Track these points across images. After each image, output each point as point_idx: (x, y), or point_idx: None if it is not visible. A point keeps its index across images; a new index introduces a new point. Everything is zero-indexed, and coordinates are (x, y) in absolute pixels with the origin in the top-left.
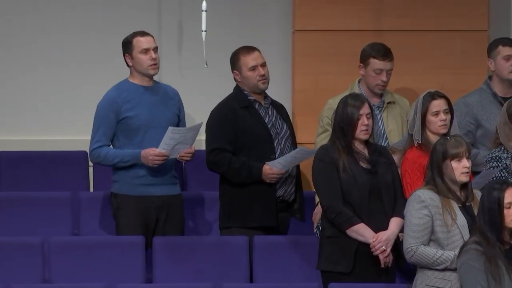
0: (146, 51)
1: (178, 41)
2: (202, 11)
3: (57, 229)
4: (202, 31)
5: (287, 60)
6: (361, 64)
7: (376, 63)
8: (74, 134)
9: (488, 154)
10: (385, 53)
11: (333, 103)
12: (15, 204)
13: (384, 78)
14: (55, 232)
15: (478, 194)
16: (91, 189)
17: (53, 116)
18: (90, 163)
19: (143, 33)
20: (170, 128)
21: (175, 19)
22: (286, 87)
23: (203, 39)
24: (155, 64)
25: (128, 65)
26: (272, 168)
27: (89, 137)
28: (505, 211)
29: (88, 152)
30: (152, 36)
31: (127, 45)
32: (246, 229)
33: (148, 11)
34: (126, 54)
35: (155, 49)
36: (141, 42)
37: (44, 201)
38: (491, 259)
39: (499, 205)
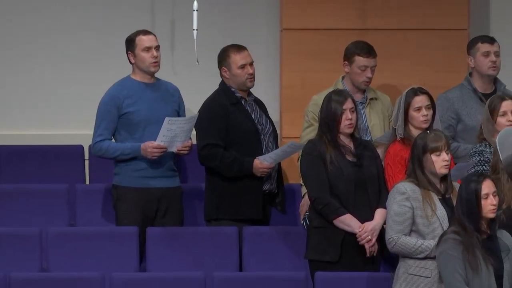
0: (148, 49)
1: (170, 40)
2: (194, 10)
3: (54, 220)
4: (194, 29)
5: (275, 58)
6: (345, 62)
7: (360, 60)
8: (71, 129)
9: (472, 149)
10: (368, 50)
11: (318, 98)
12: (14, 196)
13: (369, 74)
14: (52, 223)
15: (457, 186)
16: (87, 182)
17: (51, 111)
18: (86, 157)
19: (146, 32)
20: (167, 119)
21: (167, 19)
22: (274, 84)
23: (195, 38)
24: (156, 62)
25: (130, 62)
26: (262, 162)
27: (85, 132)
28: (483, 202)
29: (84, 146)
30: (155, 35)
31: (130, 43)
32: (234, 221)
33: (142, 11)
34: (129, 52)
35: (157, 48)
36: (144, 41)
37: (41, 193)
38: (469, 248)
39: (477, 197)
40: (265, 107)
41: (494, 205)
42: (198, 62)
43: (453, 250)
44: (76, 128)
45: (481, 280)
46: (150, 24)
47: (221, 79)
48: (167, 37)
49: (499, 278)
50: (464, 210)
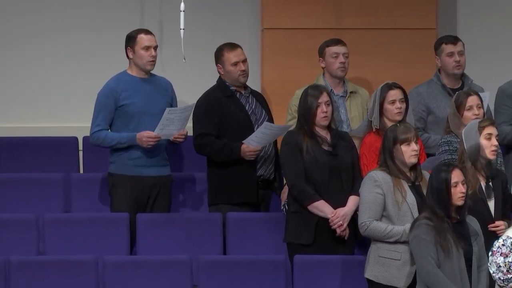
0: (147, 48)
1: (159, 38)
2: (181, 11)
3: (51, 207)
4: (181, 29)
5: (256, 55)
6: (320, 58)
7: (331, 49)
8: (66, 121)
9: (441, 139)
10: (337, 40)
11: (300, 93)
12: (13, 185)
13: (342, 60)
14: (49, 209)
15: (426, 174)
16: (81, 171)
17: (47, 105)
18: (80, 148)
19: (147, 32)
20: (167, 109)
21: (156, 19)
22: (255, 80)
23: (182, 37)
24: (153, 61)
25: (128, 57)
26: (248, 146)
27: (79, 125)
28: (452, 190)
29: (78, 138)
30: (154, 36)
31: (130, 40)
32: (231, 205)
33: (131, 11)
34: (128, 48)
35: (155, 48)
36: (144, 40)
37: (39, 182)
38: (440, 233)
39: (447, 185)
40: (263, 99)
41: (463, 192)
42: (185, 59)
43: (425, 235)
44: (71, 120)
45: (452, 262)
46: (140, 24)
47: (208, 75)
48: (155, 36)
49: (468, 260)
50: (435, 198)
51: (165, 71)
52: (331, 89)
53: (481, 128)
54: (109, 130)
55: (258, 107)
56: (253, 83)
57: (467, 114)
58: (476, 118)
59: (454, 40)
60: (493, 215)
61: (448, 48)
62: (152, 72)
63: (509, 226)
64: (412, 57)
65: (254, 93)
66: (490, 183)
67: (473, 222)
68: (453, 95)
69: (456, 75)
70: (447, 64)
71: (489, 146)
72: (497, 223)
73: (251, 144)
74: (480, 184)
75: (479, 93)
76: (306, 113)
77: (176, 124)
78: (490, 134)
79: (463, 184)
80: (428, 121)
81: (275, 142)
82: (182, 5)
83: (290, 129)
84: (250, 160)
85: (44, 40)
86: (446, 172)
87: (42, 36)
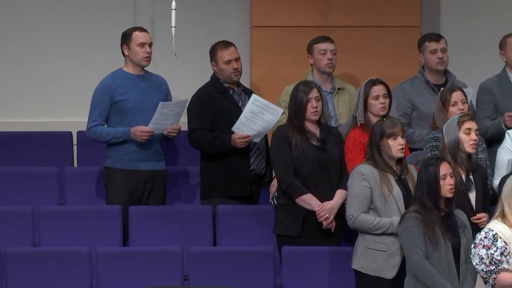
0: (142, 45)
1: (151, 35)
2: (172, 9)
3: (46, 200)
4: (172, 27)
5: (245, 53)
6: (308, 55)
7: (319, 46)
8: (61, 117)
9: (428, 135)
10: (324, 37)
11: (290, 89)
12: (8, 178)
13: (330, 56)
14: (43, 202)
15: (411, 168)
16: (75, 165)
17: (43, 101)
18: (75, 142)
19: (141, 29)
20: (161, 103)
21: (148, 17)
22: (245, 76)
23: (173, 34)
24: (148, 57)
25: (124, 55)
26: (238, 133)
27: (73, 120)
28: (441, 182)
29: (72, 132)
30: (149, 33)
31: (126, 37)
32: (224, 198)
33: (125, 10)
34: (124, 45)
35: (150, 44)
36: (139, 37)
37: (34, 175)
38: (429, 225)
39: (436, 178)
40: None
41: (451, 185)
42: (176, 56)
43: (414, 227)
44: (65, 116)
45: (440, 254)
46: (133, 22)
47: (198, 71)
48: None
49: (456, 252)
50: (424, 191)
51: (157, 67)
52: (319, 85)
53: (460, 123)
54: (105, 125)
55: None
56: (243, 79)
57: (452, 109)
58: (461, 113)
59: (437, 37)
60: (474, 207)
61: (431, 45)
62: (145, 69)
63: (490, 219)
64: (398, 54)
65: (246, 91)
66: (471, 176)
67: (461, 215)
68: (437, 90)
69: (439, 71)
70: (430, 60)
71: (468, 140)
72: (479, 215)
73: (239, 127)
74: (461, 177)
75: (463, 89)
76: (296, 108)
77: (170, 119)
78: (469, 128)
79: (451, 177)
80: (412, 117)
81: (266, 136)
82: (173, 3)
83: (280, 124)
84: (244, 154)
85: (41, 38)
86: (434, 166)
87: (39, 35)
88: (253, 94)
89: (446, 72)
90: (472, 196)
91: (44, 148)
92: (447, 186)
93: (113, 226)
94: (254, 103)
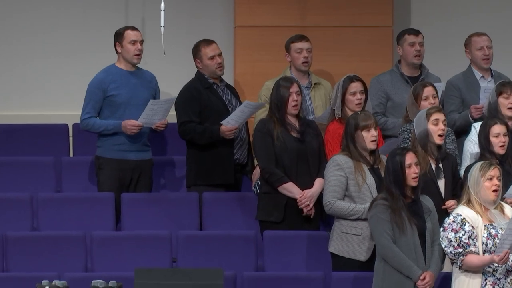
0: (134, 42)
1: (142, 34)
2: (161, 10)
3: (44, 187)
4: (161, 26)
5: (229, 50)
6: (286, 53)
7: (295, 45)
8: (57, 110)
9: (401, 128)
10: (300, 36)
11: (269, 84)
12: (9, 167)
13: (305, 54)
14: (42, 189)
15: (384, 158)
16: (71, 155)
17: (41, 96)
18: (71, 134)
19: (133, 28)
20: (151, 101)
21: (139, 17)
22: (229, 72)
23: (162, 33)
24: (139, 54)
25: (117, 52)
26: (227, 126)
27: (69, 113)
28: (406, 171)
29: (69, 124)
30: (140, 32)
31: (118, 36)
32: (210, 186)
33: (116, 11)
34: (117, 43)
35: (141, 42)
36: (131, 35)
37: (33, 164)
38: (396, 211)
39: (401, 167)
40: (236, 91)
41: (416, 173)
42: (165, 53)
43: (382, 214)
44: (62, 109)
45: (407, 238)
46: (124, 22)
47: (186, 68)
48: None
49: (422, 235)
50: (391, 179)
51: (147, 63)
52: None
53: (428, 115)
54: (98, 118)
55: (233, 97)
56: (227, 75)
57: (424, 103)
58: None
59: (416, 32)
60: (443, 194)
61: (410, 38)
62: (137, 66)
63: (458, 204)
64: (370, 52)
65: (228, 86)
66: (440, 165)
67: (427, 201)
68: (411, 83)
69: (415, 64)
70: (408, 53)
71: (436, 130)
72: (448, 202)
73: (230, 123)
74: (431, 166)
75: (435, 84)
76: (278, 102)
77: (158, 115)
78: (437, 120)
79: (416, 166)
80: (387, 106)
81: (248, 129)
82: (163, 4)
83: (261, 118)
84: (228, 144)
85: (40, 38)
86: (400, 155)
87: (38, 34)
88: (246, 100)
89: (421, 66)
90: (441, 183)
91: (42, 139)
92: (412, 174)
93: (106, 211)
94: (246, 105)
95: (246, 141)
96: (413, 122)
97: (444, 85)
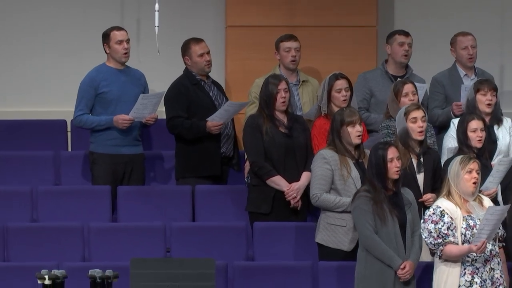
0: (120, 42)
1: (137, 34)
2: (155, 11)
3: (43, 180)
4: (155, 26)
5: (221, 49)
6: (276, 52)
7: (284, 44)
8: (56, 107)
9: (381, 124)
10: (290, 36)
11: (259, 81)
12: (10, 161)
13: (294, 53)
14: (41, 182)
15: (368, 152)
16: (69, 149)
17: (40, 93)
18: (69, 129)
19: (119, 28)
20: (141, 95)
21: (134, 17)
22: (220, 70)
23: (156, 33)
24: (126, 53)
25: (106, 52)
26: (212, 122)
27: (67, 109)
28: (388, 164)
29: (67, 120)
30: (126, 31)
31: (105, 37)
32: (198, 178)
33: (112, 11)
34: (105, 44)
35: (127, 41)
36: (117, 35)
37: (32, 159)
38: (378, 203)
39: (383, 160)
40: (222, 88)
41: (398, 167)
42: (159, 52)
43: (364, 205)
44: (60, 106)
45: (388, 229)
46: (120, 22)
47: (179, 66)
48: (134, 32)
49: (402, 226)
50: (373, 172)
51: (141, 62)
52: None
53: (407, 113)
54: (90, 114)
55: (219, 94)
56: (218, 73)
57: (404, 100)
58: (412, 103)
59: (406, 34)
60: (421, 188)
61: (400, 38)
62: (129, 64)
63: (437, 198)
64: (355, 51)
65: (215, 83)
66: (421, 159)
67: (407, 193)
68: (395, 81)
69: (402, 63)
70: (396, 52)
71: (415, 128)
72: (425, 196)
73: (215, 120)
74: (412, 161)
75: (418, 84)
76: (267, 98)
77: (148, 109)
78: (415, 117)
79: (398, 160)
80: (370, 102)
81: (234, 124)
82: (157, 5)
83: (251, 114)
84: (215, 139)
85: (39, 37)
86: (382, 150)
87: (38, 34)
88: (229, 101)
89: (406, 66)
90: (420, 177)
91: (42, 134)
92: (393, 168)
93: (103, 204)
94: (229, 105)
95: (232, 135)
96: (393, 118)
97: (428, 86)
